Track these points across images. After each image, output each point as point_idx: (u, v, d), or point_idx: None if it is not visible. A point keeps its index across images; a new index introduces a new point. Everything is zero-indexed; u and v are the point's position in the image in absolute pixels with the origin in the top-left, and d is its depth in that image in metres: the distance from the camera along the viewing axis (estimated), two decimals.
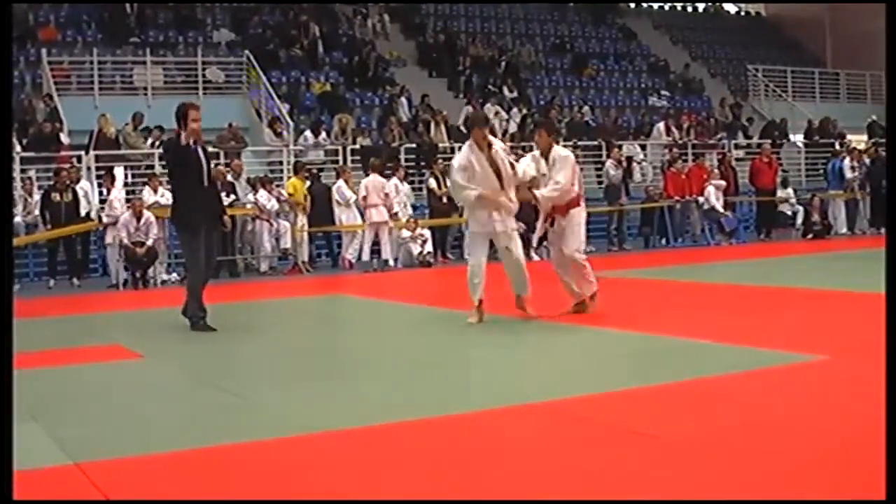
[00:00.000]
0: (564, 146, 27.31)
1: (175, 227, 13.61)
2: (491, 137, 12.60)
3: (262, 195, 22.92)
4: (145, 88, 30.18)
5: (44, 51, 30.28)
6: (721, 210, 27.12)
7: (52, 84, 28.60)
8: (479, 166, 12.13)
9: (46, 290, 20.52)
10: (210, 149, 26.30)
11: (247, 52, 31.66)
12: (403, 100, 32.08)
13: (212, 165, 13.67)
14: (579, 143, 30.51)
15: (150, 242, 20.40)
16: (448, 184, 24.87)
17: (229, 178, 23.19)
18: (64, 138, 25.79)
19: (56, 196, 21.07)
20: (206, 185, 12.94)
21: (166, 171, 15.67)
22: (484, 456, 6.15)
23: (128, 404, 8.43)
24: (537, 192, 12.48)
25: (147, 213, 20.63)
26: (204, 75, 30.99)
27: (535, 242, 14.16)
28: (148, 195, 21.79)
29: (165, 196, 22.34)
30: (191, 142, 12.85)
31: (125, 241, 20.22)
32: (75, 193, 21.44)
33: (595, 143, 31.25)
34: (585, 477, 5.62)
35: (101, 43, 32.23)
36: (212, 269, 13.92)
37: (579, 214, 12.82)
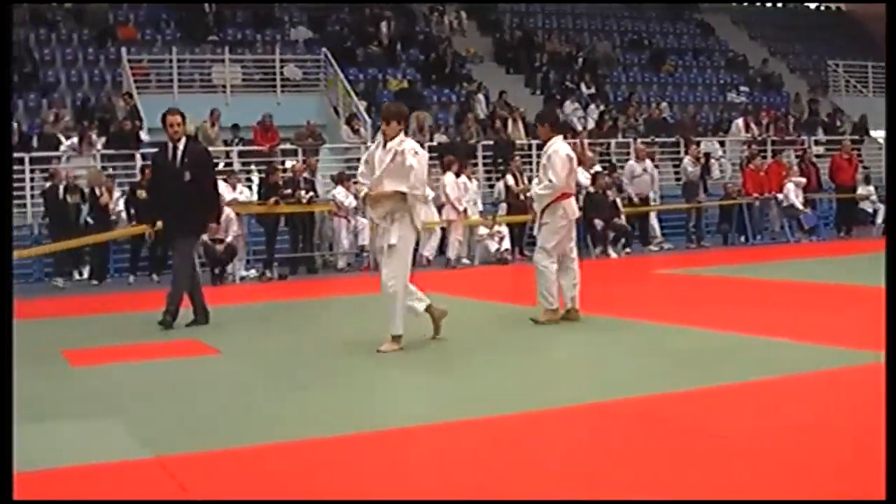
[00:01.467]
0: (643, 142, 27.47)
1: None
2: (402, 137, 10.87)
3: (340, 192, 22.97)
4: (224, 86, 30.39)
5: (123, 49, 30.58)
6: (801, 207, 26.87)
7: (131, 82, 28.87)
8: (378, 162, 10.91)
9: (126, 286, 20.67)
10: (287, 146, 26.68)
11: (324, 49, 31.79)
12: (480, 96, 32.06)
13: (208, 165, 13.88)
14: (657, 139, 30.41)
15: (229, 239, 20.50)
16: (525, 181, 25.02)
17: (307, 174, 23.30)
18: (144, 136, 26.02)
19: (141, 193, 21.23)
20: (180, 190, 12.98)
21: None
22: (549, 455, 6.16)
23: (206, 399, 8.51)
24: (532, 189, 12.09)
25: (227, 210, 20.70)
26: (282, 73, 31.14)
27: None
28: (227, 192, 21.89)
29: (244, 193, 22.54)
30: (169, 145, 13.20)
31: (205, 237, 20.34)
32: None
33: (673, 139, 31.09)
34: (651, 476, 5.61)
35: (179, 41, 32.49)
36: (183, 276, 13.43)
37: (557, 216, 12.16)
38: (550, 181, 12.00)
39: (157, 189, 13.59)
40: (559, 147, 12.25)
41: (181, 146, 13.09)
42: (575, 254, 12.45)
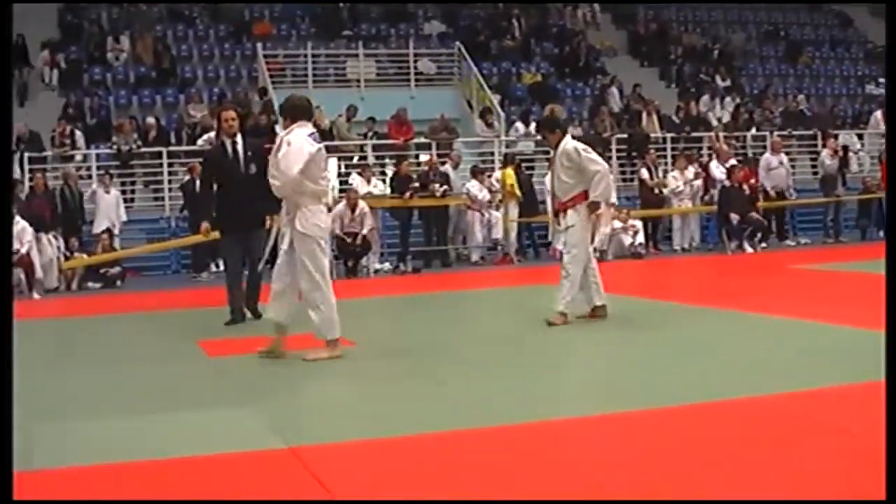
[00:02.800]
0: (780, 135, 27.10)
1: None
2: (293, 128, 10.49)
3: (474, 185, 23.03)
4: (358, 81, 30.60)
5: (259, 45, 30.95)
6: None
7: (267, 77, 29.18)
8: None
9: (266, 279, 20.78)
10: (421, 139, 26.79)
11: (458, 43, 31.85)
12: (614, 90, 31.87)
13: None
14: (794, 132, 30.00)
15: (364, 232, 20.64)
16: (659, 174, 24.82)
17: (442, 168, 23.38)
18: (279, 130, 26.25)
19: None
20: (246, 184, 13.06)
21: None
22: (687, 451, 6.10)
23: (341, 390, 8.59)
24: (592, 194, 11.72)
25: (361, 204, 20.87)
26: (415, 67, 31.27)
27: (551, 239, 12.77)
28: (361, 186, 22.08)
29: (378, 187, 22.65)
30: (227, 141, 13.38)
31: (338, 231, 20.48)
32: None
33: (810, 132, 30.61)
34: (793, 473, 5.53)
35: (314, 37, 32.80)
36: (256, 270, 13.46)
37: (583, 216, 11.90)
38: (597, 171, 11.70)
39: (218, 185, 13.54)
40: (576, 143, 12.04)
41: (239, 141, 13.35)
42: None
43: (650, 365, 9.35)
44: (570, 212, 11.91)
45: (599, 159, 11.90)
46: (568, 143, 12.03)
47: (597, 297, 12.24)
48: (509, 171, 23.55)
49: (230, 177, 13.26)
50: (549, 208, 12.46)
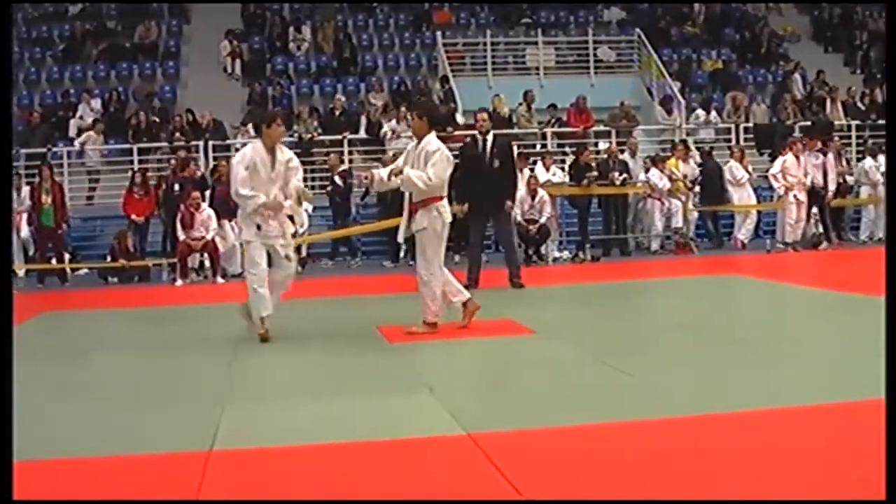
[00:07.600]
0: None
1: None
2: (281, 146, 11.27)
3: (654, 174, 22.83)
4: (537, 68, 30.61)
5: (438, 34, 31.21)
6: None
7: (447, 66, 29.40)
8: (262, 169, 10.98)
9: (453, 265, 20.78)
10: (601, 127, 26.67)
11: (637, 30, 31.67)
12: (797, 76, 31.36)
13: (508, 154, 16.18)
14: None
15: (542, 220, 20.63)
16: (843, 163, 24.23)
17: (621, 156, 23.25)
18: (459, 118, 26.41)
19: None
20: (491, 175, 15.50)
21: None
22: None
23: (520, 378, 8.60)
24: (405, 173, 10.95)
25: (541, 192, 20.87)
26: (595, 54, 31.17)
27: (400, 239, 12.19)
28: (541, 174, 22.07)
29: (557, 174, 22.64)
30: (478, 137, 15.92)
31: (518, 218, 20.49)
32: None
33: None
34: None
35: (493, 25, 32.95)
36: (512, 248, 16.38)
37: (432, 217, 11.06)
38: (430, 179, 10.91)
39: (467, 175, 15.50)
40: (441, 146, 11.19)
41: (489, 139, 15.70)
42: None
43: (854, 358, 9.10)
44: (420, 212, 11.12)
45: (443, 174, 11.07)
46: (433, 141, 11.21)
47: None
48: (673, 160, 23.33)
49: (479, 168, 15.56)
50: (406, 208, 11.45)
